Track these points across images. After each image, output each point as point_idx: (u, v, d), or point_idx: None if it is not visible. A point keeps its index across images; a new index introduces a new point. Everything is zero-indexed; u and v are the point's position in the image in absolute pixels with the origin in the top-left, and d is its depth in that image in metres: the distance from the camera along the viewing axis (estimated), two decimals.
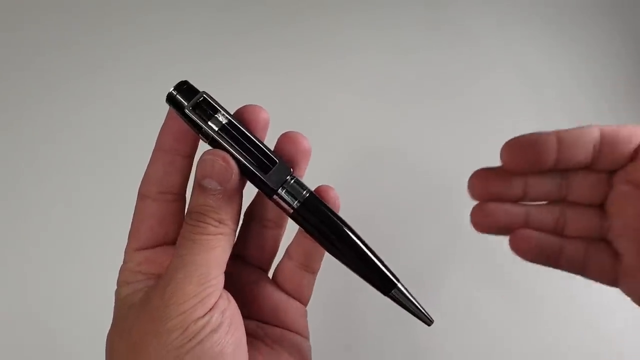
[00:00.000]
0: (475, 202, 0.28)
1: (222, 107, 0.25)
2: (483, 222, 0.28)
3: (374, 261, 0.25)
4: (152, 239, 0.26)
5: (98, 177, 0.59)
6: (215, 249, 0.24)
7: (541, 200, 0.28)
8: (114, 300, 0.26)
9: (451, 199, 0.61)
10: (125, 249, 0.27)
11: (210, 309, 0.23)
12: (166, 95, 0.25)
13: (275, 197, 0.25)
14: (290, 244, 0.29)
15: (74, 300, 0.53)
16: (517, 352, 0.61)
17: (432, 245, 0.62)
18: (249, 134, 0.25)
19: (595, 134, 0.26)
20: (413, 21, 0.76)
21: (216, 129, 0.24)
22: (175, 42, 0.67)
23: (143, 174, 0.26)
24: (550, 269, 0.28)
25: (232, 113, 0.26)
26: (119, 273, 0.26)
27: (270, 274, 0.30)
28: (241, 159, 0.24)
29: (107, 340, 0.24)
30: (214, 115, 0.24)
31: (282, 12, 0.72)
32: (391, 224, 0.63)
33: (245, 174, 0.25)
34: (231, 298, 0.25)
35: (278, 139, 0.27)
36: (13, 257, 0.55)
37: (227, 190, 0.24)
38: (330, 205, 0.26)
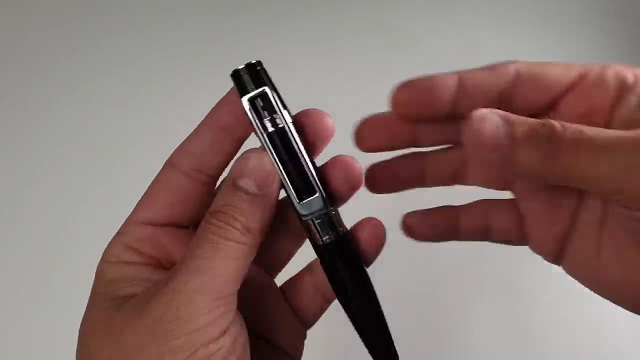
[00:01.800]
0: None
1: (280, 109, 0.22)
2: (377, 184, 0.25)
3: (382, 329, 0.24)
4: (166, 216, 0.23)
5: (98, 177, 0.59)
6: (237, 260, 0.21)
7: (438, 145, 0.26)
8: (93, 278, 0.22)
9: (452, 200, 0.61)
10: (126, 219, 0.23)
11: (224, 333, 0.20)
12: (232, 70, 0.22)
13: (305, 221, 0.23)
14: (316, 259, 0.26)
15: (73, 301, 0.53)
16: (517, 353, 0.61)
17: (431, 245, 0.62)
18: (301, 150, 0.22)
19: (507, 77, 0.22)
20: (413, 20, 0.76)
21: (268, 130, 0.22)
22: (177, 42, 0.67)
23: (179, 144, 0.23)
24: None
25: (293, 118, 0.23)
26: (108, 245, 0.23)
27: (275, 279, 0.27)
28: (282, 173, 0.22)
29: (81, 332, 0.21)
30: (269, 116, 0.22)
31: (279, 12, 0.72)
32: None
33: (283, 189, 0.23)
34: (243, 323, 0.22)
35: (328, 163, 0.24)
36: (13, 258, 0.55)
37: (264, 196, 0.21)
38: (370, 251, 0.24)
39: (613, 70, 0.22)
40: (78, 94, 0.62)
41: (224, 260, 0.20)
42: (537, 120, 0.20)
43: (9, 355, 0.51)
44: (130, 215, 0.23)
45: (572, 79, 0.22)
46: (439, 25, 0.77)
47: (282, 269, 0.27)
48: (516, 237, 0.26)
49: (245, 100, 0.22)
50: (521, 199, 0.26)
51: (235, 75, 0.22)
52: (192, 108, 0.62)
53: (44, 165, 0.59)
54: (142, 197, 0.23)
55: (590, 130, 0.20)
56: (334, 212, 0.23)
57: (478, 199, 0.27)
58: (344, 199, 0.24)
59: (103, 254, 0.22)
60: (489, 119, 0.20)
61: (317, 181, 0.22)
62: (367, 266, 0.24)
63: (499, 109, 0.22)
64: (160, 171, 0.23)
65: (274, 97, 0.22)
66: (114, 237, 0.23)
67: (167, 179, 0.23)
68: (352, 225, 0.24)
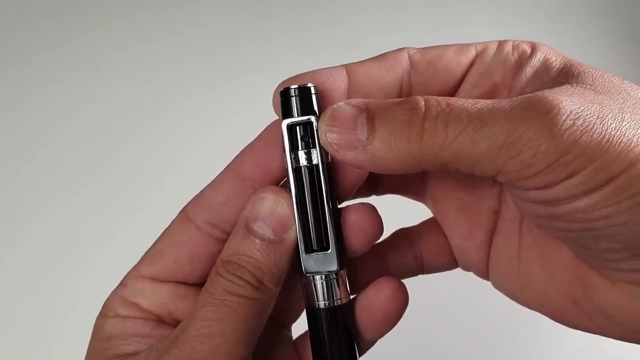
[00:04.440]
0: None
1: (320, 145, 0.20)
2: None
3: None
4: (171, 273, 0.21)
5: (97, 178, 0.59)
6: (250, 320, 0.19)
7: None
8: (91, 332, 0.21)
9: None
10: (130, 270, 0.22)
11: None
12: (282, 90, 0.20)
13: (305, 280, 0.21)
14: None
15: (73, 303, 0.53)
16: (517, 352, 0.61)
17: None
18: (328, 196, 0.20)
19: (399, 66, 0.20)
20: (413, 20, 0.76)
21: (299, 163, 0.20)
22: (176, 40, 0.67)
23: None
24: None
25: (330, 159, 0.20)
26: (109, 297, 0.21)
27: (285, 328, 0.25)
28: (297, 215, 0.20)
29: None
30: (305, 149, 0.20)
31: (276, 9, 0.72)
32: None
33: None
34: None
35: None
36: (13, 259, 0.55)
37: (281, 242, 0.19)
38: (385, 319, 0.21)
39: (510, 44, 0.21)
40: (76, 93, 0.62)
41: (233, 321, 0.18)
42: (395, 99, 0.18)
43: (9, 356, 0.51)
44: (134, 266, 0.22)
45: (469, 59, 0.21)
46: (438, 25, 0.76)
47: (296, 319, 0.24)
48: (449, 257, 0.24)
49: (284, 124, 0.20)
50: (437, 209, 0.24)
51: (284, 94, 0.20)
52: (196, 110, 0.63)
53: (41, 166, 0.59)
54: (150, 247, 0.22)
55: (458, 103, 0.17)
56: (343, 275, 0.21)
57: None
58: (353, 254, 0.21)
59: (102, 306, 0.21)
60: (341, 113, 0.18)
61: (335, 236, 0.20)
62: (376, 339, 0.22)
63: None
64: (173, 221, 0.22)
65: (317, 130, 0.19)
66: (115, 289, 0.22)
67: (177, 232, 0.21)
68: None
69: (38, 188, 0.57)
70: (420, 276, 0.25)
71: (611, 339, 0.22)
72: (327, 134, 0.18)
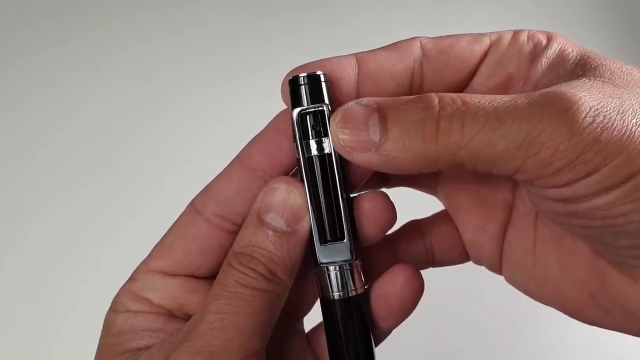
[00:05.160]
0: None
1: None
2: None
3: None
4: (181, 266, 0.21)
5: (98, 178, 0.59)
6: (263, 313, 0.18)
7: None
8: (102, 327, 0.21)
9: None
10: (139, 265, 0.21)
11: None
12: (291, 78, 0.20)
13: (319, 270, 0.20)
14: None
15: (73, 303, 0.53)
16: (517, 351, 0.61)
17: None
18: (341, 185, 0.20)
19: (411, 55, 0.20)
20: (413, 19, 0.76)
21: (311, 152, 0.19)
22: (176, 40, 0.67)
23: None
24: None
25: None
26: (119, 292, 0.21)
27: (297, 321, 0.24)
28: (310, 206, 0.19)
29: None
30: (317, 138, 0.19)
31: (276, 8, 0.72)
32: None
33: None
34: None
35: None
36: (13, 259, 0.55)
37: (293, 233, 0.19)
38: (402, 307, 0.21)
39: (525, 34, 0.20)
40: (78, 94, 0.62)
41: (246, 313, 0.18)
42: (408, 97, 0.18)
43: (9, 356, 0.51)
44: (144, 260, 0.21)
45: (484, 49, 0.20)
46: (438, 25, 0.77)
47: (308, 311, 0.24)
48: (460, 250, 0.24)
49: (295, 113, 0.19)
50: (449, 202, 0.24)
51: (294, 82, 0.19)
52: (196, 110, 0.63)
53: (41, 166, 0.59)
54: (159, 241, 0.21)
55: (474, 100, 0.17)
56: (357, 265, 0.20)
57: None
58: (367, 242, 0.21)
59: (112, 302, 0.21)
60: (353, 113, 0.18)
61: (349, 225, 0.20)
62: (392, 328, 0.22)
63: (410, 90, 0.20)
64: (182, 214, 0.21)
65: (329, 118, 0.19)
66: (125, 284, 0.21)
67: (187, 225, 0.21)
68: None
69: (38, 188, 0.57)
70: (422, 270, 0.25)
71: (611, 337, 0.21)
72: (339, 135, 0.18)
